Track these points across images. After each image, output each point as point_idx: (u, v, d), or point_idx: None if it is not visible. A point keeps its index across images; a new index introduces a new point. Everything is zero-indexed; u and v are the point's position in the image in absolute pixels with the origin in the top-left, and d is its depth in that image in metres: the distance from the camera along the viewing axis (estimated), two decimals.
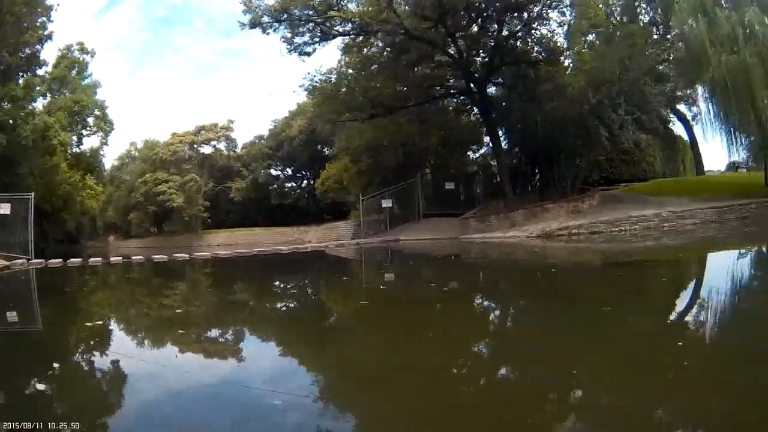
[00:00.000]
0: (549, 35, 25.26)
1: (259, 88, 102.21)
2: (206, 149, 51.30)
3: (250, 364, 5.24)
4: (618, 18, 31.89)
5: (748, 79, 19.73)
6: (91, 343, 6.20)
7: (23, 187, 23.71)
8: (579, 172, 25.15)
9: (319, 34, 23.99)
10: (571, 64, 25.53)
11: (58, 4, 28.39)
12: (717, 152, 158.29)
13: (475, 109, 28.95)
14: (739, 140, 22.94)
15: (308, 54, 24.41)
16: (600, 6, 24.72)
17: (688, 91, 29.13)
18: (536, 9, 23.78)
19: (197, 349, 5.89)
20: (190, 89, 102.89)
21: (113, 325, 7.72)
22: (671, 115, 30.49)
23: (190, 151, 49.68)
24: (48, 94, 35.93)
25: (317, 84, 25.64)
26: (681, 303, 7.45)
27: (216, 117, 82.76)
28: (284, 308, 9.27)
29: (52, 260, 18.13)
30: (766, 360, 4.33)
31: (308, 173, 47.81)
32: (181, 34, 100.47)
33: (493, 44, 24.42)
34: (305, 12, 22.93)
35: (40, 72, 31.58)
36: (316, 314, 8.31)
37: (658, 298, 7.95)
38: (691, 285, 9.50)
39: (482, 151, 33.48)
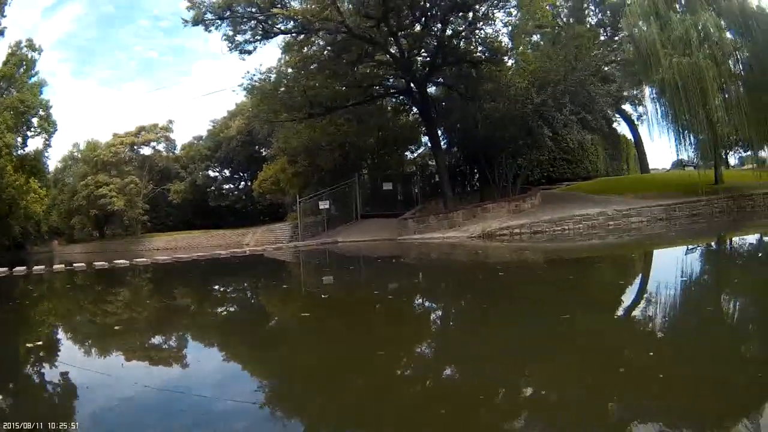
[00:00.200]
0: (494, 35, 24.92)
1: (200, 87, 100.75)
2: (146, 150, 50.18)
3: (194, 372, 5.29)
4: (565, 19, 32.08)
5: (701, 80, 20.04)
6: (40, 354, 6.26)
7: None
8: (520, 172, 24.92)
9: (260, 32, 23.31)
10: (514, 65, 25.18)
11: None
12: (662, 151, 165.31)
13: (414, 109, 28.61)
14: (688, 139, 23.24)
15: (249, 52, 23.77)
16: (547, 8, 24.39)
17: (635, 92, 29.44)
18: (482, 9, 23.35)
19: (142, 357, 6.00)
20: (132, 88, 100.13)
21: (60, 336, 7.85)
22: (616, 115, 30.73)
23: (130, 153, 48.36)
24: None
25: (256, 83, 24.90)
26: (626, 300, 7.63)
27: (157, 117, 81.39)
28: (223, 317, 9.08)
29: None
30: (706, 353, 4.69)
31: (246, 174, 46.94)
32: (126, 31, 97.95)
33: (435, 44, 23.97)
34: (248, 9, 22.23)
35: None
36: (255, 322, 8.23)
37: (602, 296, 8.14)
38: (636, 282, 9.70)
39: (420, 150, 33.32)
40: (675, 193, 22.75)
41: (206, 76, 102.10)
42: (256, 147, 43.34)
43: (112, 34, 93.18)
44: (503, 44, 24.93)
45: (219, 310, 9.91)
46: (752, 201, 22.55)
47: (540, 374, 4.51)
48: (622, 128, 35.86)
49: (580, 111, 21.53)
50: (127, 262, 19.34)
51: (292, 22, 22.86)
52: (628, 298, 7.74)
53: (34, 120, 35.87)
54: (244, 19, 22.69)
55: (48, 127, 36.66)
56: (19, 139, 35.21)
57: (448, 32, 24.00)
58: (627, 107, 33.38)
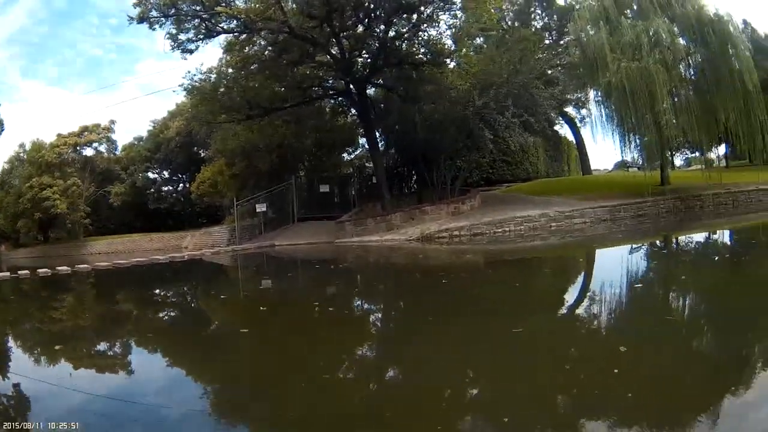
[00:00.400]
0: (437, 37, 24.78)
1: (144, 87, 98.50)
2: (89, 151, 48.38)
3: (139, 380, 5.34)
4: (510, 23, 32.28)
5: (650, 84, 20.40)
6: None
7: None
8: (459, 173, 24.87)
9: (203, 30, 22.83)
10: (457, 67, 25.12)
11: None
12: (604, 152, 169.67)
13: (353, 110, 28.39)
14: (633, 141, 23.80)
15: (191, 51, 23.14)
16: (492, 11, 24.39)
17: (579, 95, 29.75)
18: (427, 11, 23.27)
19: (89, 366, 6.06)
20: (79, 87, 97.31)
21: (10, 346, 7.81)
22: (558, 118, 30.99)
23: (74, 154, 46.65)
24: None
25: (196, 84, 24.32)
26: (566, 299, 7.95)
27: (101, 117, 78.54)
28: (164, 326, 8.99)
29: None
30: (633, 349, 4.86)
31: (185, 176, 45.78)
32: (75, 28, 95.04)
33: (378, 45, 23.74)
34: (193, 7, 21.81)
35: None
36: (194, 331, 8.15)
37: (542, 297, 8.36)
38: (577, 282, 10.13)
39: (358, 152, 33.03)
40: (619, 194, 23.01)
41: (150, 75, 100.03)
42: (195, 148, 42.47)
43: (61, 31, 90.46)
44: (446, 46, 24.86)
45: (161, 316, 9.94)
46: (701, 201, 22.96)
47: (485, 375, 4.72)
48: (564, 130, 36.51)
49: (522, 114, 21.57)
50: (69, 269, 18.60)
51: (235, 21, 22.45)
52: (567, 297, 8.08)
53: None
54: (188, 18, 22.25)
55: None
56: None
57: (391, 34, 23.78)
58: (570, 110, 33.80)
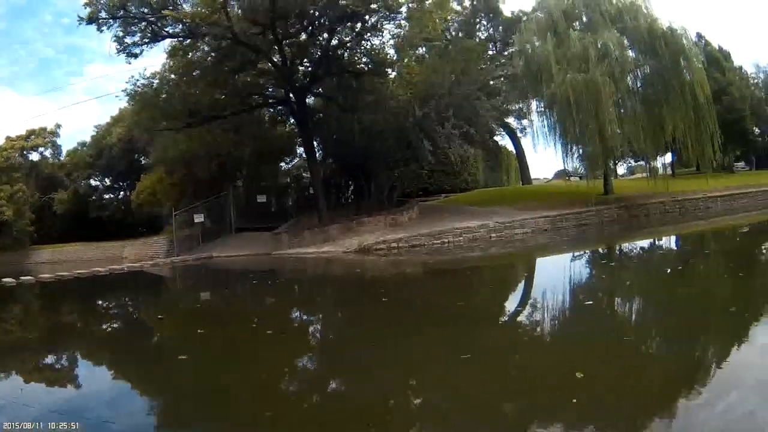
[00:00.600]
0: (380, 46, 24.80)
1: (91, 90, 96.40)
2: (35, 156, 46.73)
3: (86, 396, 5.38)
4: (454, 33, 32.52)
5: (596, 94, 20.85)
6: None
7: None
8: (397, 184, 25.06)
9: (149, 34, 22.56)
10: (398, 77, 25.18)
11: None
12: (544, 162, 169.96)
13: (292, 119, 28.29)
14: (576, 151, 24.18)
15: (135, 56, 22.85)
16: (437, 21, 24.56)
17: (520, 105, 30.11)
18: (372, 20, 23.27)
19: (39, 380, 6.06)
20: (30, 87, 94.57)
21: None
22: (499, 128, 31.29)
23: (20, 158, 45.26)
24: None
25: (139, 89, 23.97)
26: (505, 307, 8.33)
27: (48, 120, 75.94)
28: (104, 342, 8.75)
29: None
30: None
31: (126, 184, 44.44)
32: (30, 26, 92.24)
33: (320, 53, 23.77)
34: (141, 10, 21.56)
35: None
36: (137, 346, 8.06)
37: (480, 305, 8.57)
38: (517, 290, 10.56)
39: (295, 161, 32.81)
40: (561, 204, 23.24)
41: (97, 78, 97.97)
42: (137, 156, 41.38)
43: (16, 28, 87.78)
44: (389, 56, 24.90)
45: (104, 328, 10.04)
46: (646, 210, 23.54)
47: (427, 383, 4.88)
48: (505, 140, 36.71)
49: (463, 125, 21.71)
50: (14, 281, 18.03)
51: (180, 26, 22.35)
52: (507, 306, 8.47)
53: None
54: (136, 20, 22.09)
55: None
56: None
57: (334, 42, 23.81)
58: (511, 120, 34.00)
